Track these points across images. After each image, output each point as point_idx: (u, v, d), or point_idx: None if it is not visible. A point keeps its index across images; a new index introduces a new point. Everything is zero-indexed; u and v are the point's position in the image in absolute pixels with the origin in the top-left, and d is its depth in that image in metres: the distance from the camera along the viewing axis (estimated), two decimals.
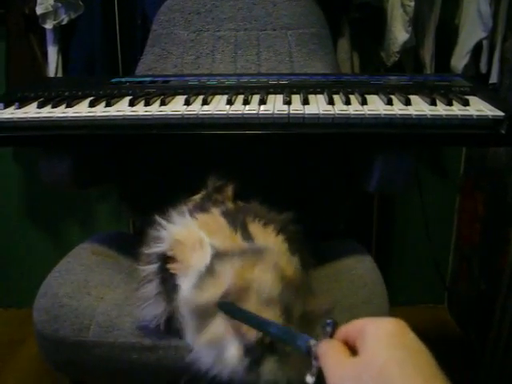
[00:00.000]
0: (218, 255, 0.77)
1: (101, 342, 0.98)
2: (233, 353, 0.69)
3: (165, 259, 0.86)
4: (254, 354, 0.68)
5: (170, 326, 0.92)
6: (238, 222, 0.86)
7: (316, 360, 0.53)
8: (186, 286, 0.79)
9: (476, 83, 1.21)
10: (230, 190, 1.07)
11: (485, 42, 1.71)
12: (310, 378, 0.53)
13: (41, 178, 1.16)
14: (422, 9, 1.72)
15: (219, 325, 0.71)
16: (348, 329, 0.52)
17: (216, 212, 0.92)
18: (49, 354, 1.05)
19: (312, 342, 0.54)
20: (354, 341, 0.51)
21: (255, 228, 0.86)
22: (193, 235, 0.83)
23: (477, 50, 1.72)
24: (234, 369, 0.69)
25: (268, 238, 0.84)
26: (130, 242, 1.33)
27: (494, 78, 1.74)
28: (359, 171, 1.15)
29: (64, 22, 1.77)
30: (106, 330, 0.99)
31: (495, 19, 1.69)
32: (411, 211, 2.03)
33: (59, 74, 1.83)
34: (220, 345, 0.71)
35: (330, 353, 0.51)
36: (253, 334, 0.67)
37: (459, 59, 1.75)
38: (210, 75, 1.40)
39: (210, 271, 0.75)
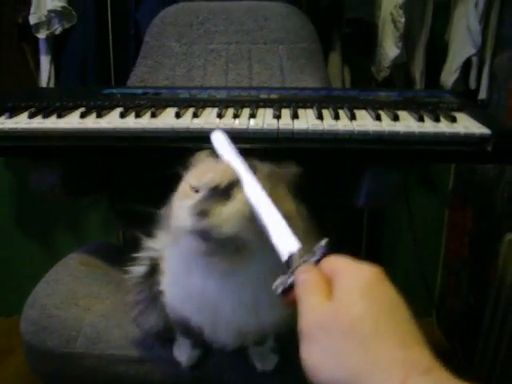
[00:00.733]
0: None
1: (88, 353, 0.99)
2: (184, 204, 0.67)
3: (153, 265, 0.86)
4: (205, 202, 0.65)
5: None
6: None
7: (292, 275, 0.50)
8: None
9: (464, 100, 1.23)
10: None
11: (474, 59, 1.72)
12: (278, 288, 0.51)
13: (30, 186, 1.16)
14: (412, 25, 1.74)
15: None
16: (325, 264, 0.49)
17: None
18: (36, 365, 1.05)
19: (296, 255, 0.52)
20: (329, 277, 0.48)
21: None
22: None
23: (466, 66, 1.74)
24: (185, 220, 0.66)
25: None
26: (119, 253, 1.33)
27: (483, 94, 1.76)
28: (348, 186, 1.16)
29: (57, 32, 1.77)
30: (93, 341, 1.00)
31: (484, 36, 1.71)
32: (400, 225, 2.04)
33: (51, 84, 1.83)
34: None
35: (308, 286, 0.48)
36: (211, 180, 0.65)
37: (449, 75, 1.76)
38: (201, 88, 1.41)
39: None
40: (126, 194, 1.40)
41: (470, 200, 1.90)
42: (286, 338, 0.94)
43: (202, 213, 0.63)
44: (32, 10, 1.73)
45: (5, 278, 2.25)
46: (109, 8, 1.79)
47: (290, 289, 0.50)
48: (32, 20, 1.73)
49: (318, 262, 0.50)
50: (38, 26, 1.75)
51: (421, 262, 1.97)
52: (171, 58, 1.50)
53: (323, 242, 0.51)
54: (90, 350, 0.99)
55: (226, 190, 0.65)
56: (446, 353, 1.98)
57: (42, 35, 1.77)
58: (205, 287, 0.72)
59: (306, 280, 0.48)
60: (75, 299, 1.08)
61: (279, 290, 0.51)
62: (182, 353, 0.94)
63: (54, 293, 1.09)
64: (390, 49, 1.71)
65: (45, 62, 1.83)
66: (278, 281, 0.51)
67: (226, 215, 0.64)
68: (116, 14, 1.80)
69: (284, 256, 0.53)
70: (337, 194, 1.26)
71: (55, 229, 2.19)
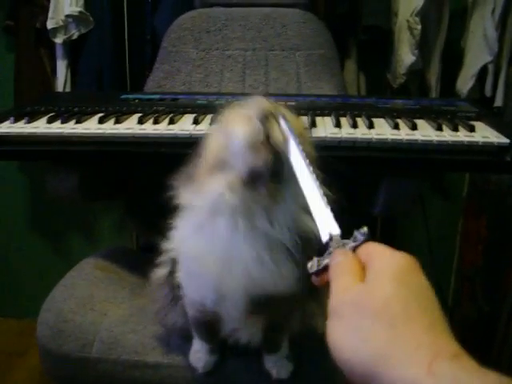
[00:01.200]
0: None
1: (104, 358, 0.99)
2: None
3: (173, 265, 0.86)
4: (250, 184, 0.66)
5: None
6: None
7: (328, 257, 0.51)
8: None
9: (481, 108, 1.22)
10: None
11: (490, 66, 1.72)
12: (313, 267, 0.51)
13: (47, 191, 1.17)
14: (428, 32, 1.73)
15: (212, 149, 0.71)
16: (362, 250, 0.50)
17: None
18: (52, 369, 1.05)
19: (335, 238, 0.52)
20: (364, 263, 0.48)
21: None
22: None
23: (482, 73, 1.73)
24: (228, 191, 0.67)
25: None
26: (134, 258, 1.34)
27: (498, 102, 1.75)
28: (364, 193, 1.15)
29: (74, 37, 1.79)
30: (109, 346, 1.00)
31: (501, 43, 1.71)
32: (414, 232, 2.03)
33: (68, 89, 1.85)
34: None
35: (341, 268, 0.48)
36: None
37: (464, 82, 1.76)
38: (219, 94, 1.41)
39: None
40: (142, 200, 1.41)
41: (485, 208, 1.89)
42: (301, 346, 0.95)
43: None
44: (50, 15, 1.75)
45: (18, 281, 2.26)
46: (125, 13, 1.81)
47: (323, 270, 0.51)
48: (50, 25, 1.75)
49: (355, 248, 0.51)
50: (55, 30, 1.77)
51: (434, 270, 1.96)
52: (188, 63, 1.51)
53: (365, 229, 0.51)
54: (106, 354, 0.99)
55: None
56: None
57: (59, 40, 1.78)
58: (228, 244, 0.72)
59: (341, 262, 0.49)
60: (91, 304, 1.09)
61: (313, 270, 0.51)
62: (198, 359, 0.94)
63: (71, 297, 1.09)
64: (405, 56, 1.71)
65: (61, 66, 1.84)
66: (314, 260, 0.52)
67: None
68: (132, 19, 1.82)
69: (325, 237, 0.53)
70: (353, 202, 1.26)
71: (69, 233, 2.21)
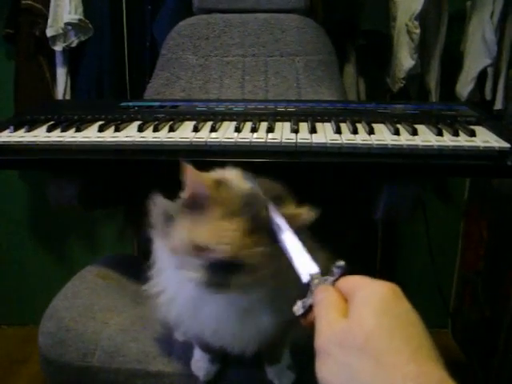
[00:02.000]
0: None
1: (105, 367, 0.98)
2: (191, 270, 0.66)
3: None
4: (222, 272, 0.65)
5: None
6: None
7: (311, 296, 0.52)
8: None
9: (482, 113, 1.22)
10: None
11: (490, 69, 1.72)
12: (299, 309, 0.52)
13: (48, 200, 1.17)
14: (427, 36, 1.74)
15: (178, 237, 0.68)
16: (342, 284, 0.51)
17: None
18: (53, 379, 1.05)
19: (315, 276, 0.54)
20: (346, 296, 0.49)
21: None
22: None
23: (482, 76, 1.74)
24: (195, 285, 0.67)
25: None
26: (135, 266, 1.33)
27: (498, 105, 1.75)
28: (365, 199, 1.15)
29: (74, 45, 1.79)
30: (110, 355, 0.99)
31: (500, 46, 1.71)
32: (415, 235, 2.03)
33: (67, 96, 1.85)
34: (181, 256, 0.68)
35: (324, 304, 0.49)
36: (224, 251, 0.64)
37: (464, 86, 1.76)
38: (219, 101, 1.41)
39: None
40: (142, 207, 1.40)
41: (486, 211, 1.89)
42: (303, 355, 0.94)
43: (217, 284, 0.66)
44: (49, 22, 1.75)
45: (20, 288, 2.26)
46: (125, 21, 1.81)
47: (309, 310, 0.52)
48: (49, 33, 1.75)
49: (335, 281, 0.52)
50: (54, 38, 1.77)
51: (436, 273, 1.96)
52: (187, 70, 1.51)
53: (341, 263, 0.53)
54: (108, 363, 0.99)
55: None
56: (462, 364, 1.97)
57: (58, 48, 1.79)
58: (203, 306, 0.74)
59: (324, 299, 0.50)
60: (92, 313, 1.08)
61: (300, 312, 0.52)
62: (200, 368, 0.94)
63: (72, 306, 1.09)
64: (405, 60, 1.71)
65: (61, 74, 1.85)
66: (299, 304, 0.53)
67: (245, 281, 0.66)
68: (132, 27, 1.82)
69: (305, 278, 0.55)
70: (354, 208, 1.26)
71: (71, 240, 2.20)
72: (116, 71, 1.82)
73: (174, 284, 0.76)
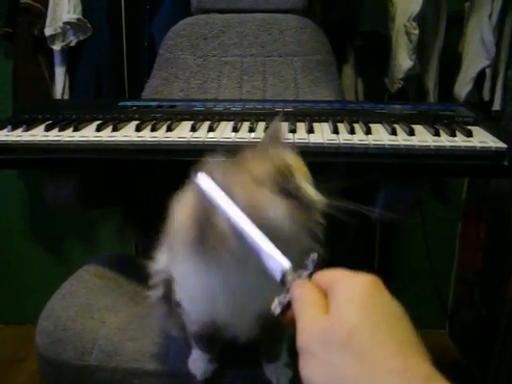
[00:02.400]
0: None
1: (103, 366, 0.99)
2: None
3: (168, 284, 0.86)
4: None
5: None
6: None
7: (287, 293, 0.50)
8: None
9: (479, 113, 1.22)
10: None
11: (488, 70, 1.72)
12: (277, 308, 0.50)
13: (46, 199, 1.17)
14: (426, 37, 1.74)
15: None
16: (321, 277, 0.48)
17: None
18: (50, 378, 1.05)
19: (289, 272, 0.51)
20: (325, 291, 0.47)
21: None
22: None
23: (480, 77, 1.74)
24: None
25: None
26: (133, 265, 1.33)
27: (496, 106, 1.76)
28: (363, 199, 1.15)
29: (72, 44, 1.79)
30: (108, 354, 0.99)
31: (498, 47, 1.71)
32: (413, 236, 2.03)
33: (66, 95, 1.85)
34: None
35: (303, 301, 0.47)
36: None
37: (462, 86, 1.76)
38: (216, 101, 1.41)
39: None
40: (140, 206, 1.41)
41: (484, 212, 1.89)
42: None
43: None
44: (47, 22, 1.75)
45: (18, 287, 2.26)
46: (123, 20, 1.82)
47: (288, 307, 0.49)
48: (47, 32, 1.75)
49: (310, 275, 0.50)
50: (53, 37, 1.77)
51: (434, 274, 1.96)
52: (186, 70, 1.51)
53: (314, 256, 0.51)
54: (105, 362, 0.99)
55: None
56: (459, 365, 1.97)
57: (57, 47, 1.79)
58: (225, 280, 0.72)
59: (301, 294, 0.48)
60: (90, 312, 1.08)
61: (278, 311, 0.50)
62: (197, 366, 0.94)
63: (69, 305, 1.09)
64: (403, 61, 1.71)
65: (59, 73, 1.85)
66: (276, 301, 0.51)
67: None
68: (130, 27, 1.83)
69: (278, 275, 0.52)
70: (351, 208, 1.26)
71: (68, 239, 2.20)
72: (114, 71, 1.83)
73: (196, 271, 0.73)
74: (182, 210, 0.72)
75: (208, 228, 0.65)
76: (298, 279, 0.50)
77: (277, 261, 0.53)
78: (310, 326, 0.45)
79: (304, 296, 0.47)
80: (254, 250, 0.56)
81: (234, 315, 0.77)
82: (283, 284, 0.51)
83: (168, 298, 0.87)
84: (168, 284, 0.85)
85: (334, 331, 0.42)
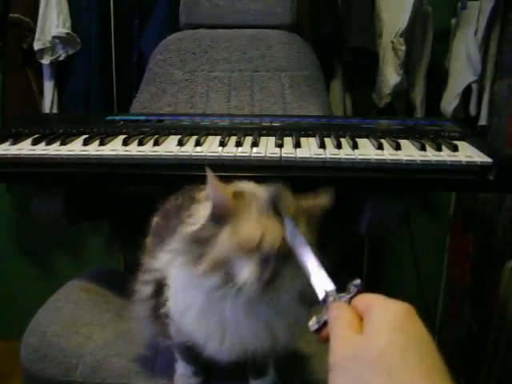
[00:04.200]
0: None
1: (88, 382, 0.98)
2: (246, 269, 0.67)
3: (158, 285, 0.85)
4: (273, 265, 0.66)
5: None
6: None
7: (326, 312, 0.52)
8: None
9: (465, 128, 1.23)
10: None
11: (474, 86, 1.74)
12: (314, 325, 0.53)
13: (32, 213, 1.16)
14: (413, 53, 1.76)
15: (221, 247, 0.68)
16: (357, 301, 0.51)
17: None
18: None
19: (331, 294, 0.54)
20: (361, 314, 0.49)
21: None
22: None
23: (466, 92, 1.75)
24: (249, 285, 0.67)
25: None
26: (120, 280, 1.32)
27: (483, 121, 1.77)
28: (350, 213, 1.16)
29: (61, 58, 1.79)
30: (93, 370, 0.99)
31: (484, 63, 1.73)
32: (401, 250, 2.04)
33: (54, 109, 1.85)
34: (226, 265, 0.68)
35: (339, 321, 0.49)
36: (272, 245, 0.66)
37: (449, 102, 1.78)
38: (204, 115, 1.42)
39: None
40: (127, 220, 1.40)
41: (472, 226, 1.90)
42: (288, 370, 0.94)
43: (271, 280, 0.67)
44: (37, 36, 1.75)
45: (4, 301, 2.24)
46: (112, 35, 1.82)
47: (323, 326, 0.52)
48: (36, 46, 1.75)
49: (350, 299, 0.52)
50: (42, 51, 1.77)
51: (422, 288, 1.97)
52: (174, 84, 1.51)
53: (357, 281, 0.53)
54: (90, 378, 0.98)
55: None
56: None
57: (45, 61, 1.79)
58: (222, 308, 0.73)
59: (339, 316, 0.50)
60: (76, 327, 1.07)
61: (314, 328, 0.53)
62: (183, 381, 0.93)
63: (55, 320, 1.08)
64: (390, 76, 1.72)
65: (48, 87, 1.85)
66: (314, 319, 0.53)
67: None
68: (119, 41, 1.83)
69: (321, 295, 0.55)
70: (339, 222, 1.26)
71: (55, 253, 2.19)
72: (103, 85, 1.83)
73: (201, 300, 0.75)
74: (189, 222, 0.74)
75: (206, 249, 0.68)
76: (339, 301, 0.53)
77: (322, 281, 0.56)
78: (343, 344, 0.47)
79: (340, 317, 0.50)
80: (302, 265, 0.60)
81: (224, 346, 0.77)
82: (324, 304, 0.54)
83: (155, 300, 0.86)
84: (159, 286, 0.85)
85: (365, 350, 0.44)
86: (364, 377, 0.43)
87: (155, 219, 0.94)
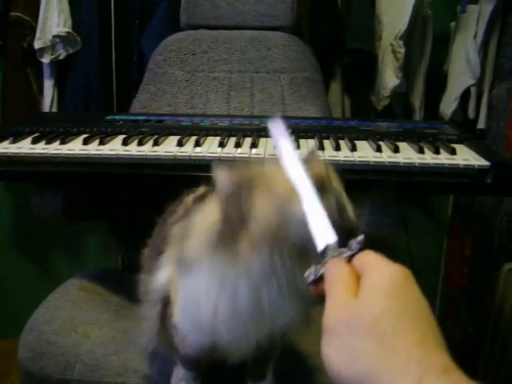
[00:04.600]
0: None
1: (86, 381, 0.98)
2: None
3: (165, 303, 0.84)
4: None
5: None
6: None
7: (323, 267, 0.50)
8: None
9: (463, 131, 1.24)
10: None
11: (473, 89, 1.74)
12: (310, 276, 0.51)
13: (32, 211, 1.17)
14: (412, 55, 1.76)
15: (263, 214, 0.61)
16: (357, 260, 0.49)
17: None
18: None
19: (331, 247, 0.51)
20: (359, 274, 0.48)
21: None
22: None
23: (465, 96, 1.76)
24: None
25: None
26: (118, 279, 1.33)
27: (481, 124, 1.78)
28: None
29: (61, 57, 1.80)
30: (91, 368, 0.99)
31: (483, 67, 1.74)
32: (398, 253, 2.04)
33: (54, 108, 1.85)
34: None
35: (336, 280, 0.48)
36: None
37: (448, 105, 1.78)
38: (204, 116, 1.42)
39: None
40: (125, 220, 1.40)
41: (469, 228, 1.90)
42: (286, 374, 0.94)
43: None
44: (37, 35, 1.75)
45: (2, 300, 2.24)
46: (113, 34, 1.82)
47: (320, 280, 0.50)
48: (37, 45, 1.76)
49: (351, 257, 0.50)
50: (42, 50, 1.77)
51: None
52: (174, 85, 1.52)
53: (361, 238, 0.51)
54: (88, 377, 0.98)
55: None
56: None
57: (46, 60, 1.79)
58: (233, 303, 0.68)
59: (335, 274, 0.49)
60: (74, 326, 1.08)
61: (310, 279, 0.51)
62: (181, 382, 0.93)
63: (53, 319, 1.08)
64: (389, 79, 1.73)
65: (48, 86, 1.85)
66: (311, 269, 0.51)
67: None
68: (120, 41, 1.83)
69: (320, 246, 0.52)
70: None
71: (54, 252, 2.19)
72: (103, 84, 1.83)
73: (213, 283, 0.69)
74: (203, 219, 0.71)
75: (240, 230, 0.62)
76: (338, 256, 0.51)
77: (324, 232, 0.53)
78: (337, 306, 0.46)
79: (337, 276, 0.49)
80: (305, 213, 0.56)
81: (241, 336, 0.73)
82: (322, 256, 0.51)
83: (161, 316, 0.85)
84: (165, 303, 0.84)
85: (359, 315, 0.43)
86: (356, 343, 0.42)
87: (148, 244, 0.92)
